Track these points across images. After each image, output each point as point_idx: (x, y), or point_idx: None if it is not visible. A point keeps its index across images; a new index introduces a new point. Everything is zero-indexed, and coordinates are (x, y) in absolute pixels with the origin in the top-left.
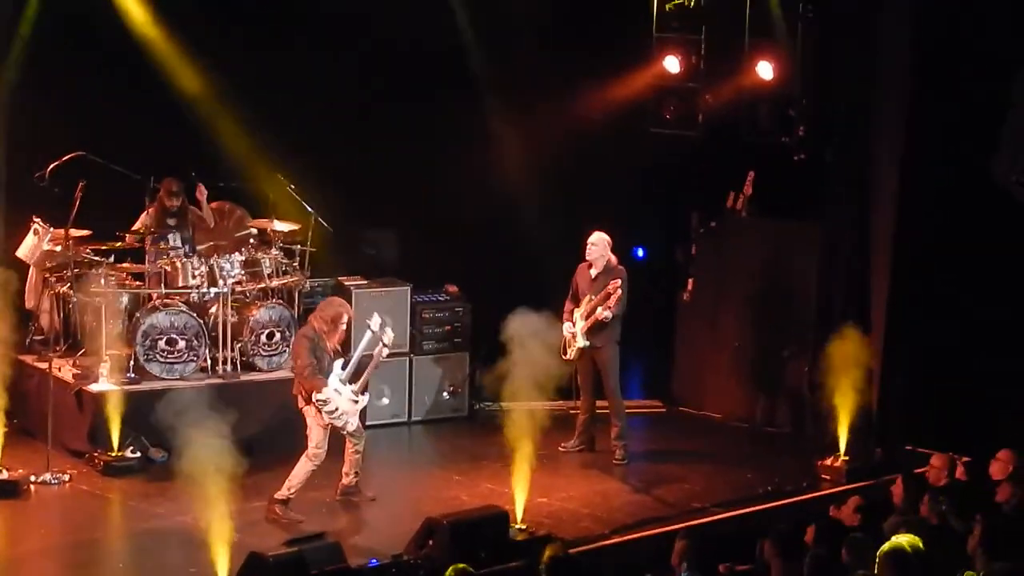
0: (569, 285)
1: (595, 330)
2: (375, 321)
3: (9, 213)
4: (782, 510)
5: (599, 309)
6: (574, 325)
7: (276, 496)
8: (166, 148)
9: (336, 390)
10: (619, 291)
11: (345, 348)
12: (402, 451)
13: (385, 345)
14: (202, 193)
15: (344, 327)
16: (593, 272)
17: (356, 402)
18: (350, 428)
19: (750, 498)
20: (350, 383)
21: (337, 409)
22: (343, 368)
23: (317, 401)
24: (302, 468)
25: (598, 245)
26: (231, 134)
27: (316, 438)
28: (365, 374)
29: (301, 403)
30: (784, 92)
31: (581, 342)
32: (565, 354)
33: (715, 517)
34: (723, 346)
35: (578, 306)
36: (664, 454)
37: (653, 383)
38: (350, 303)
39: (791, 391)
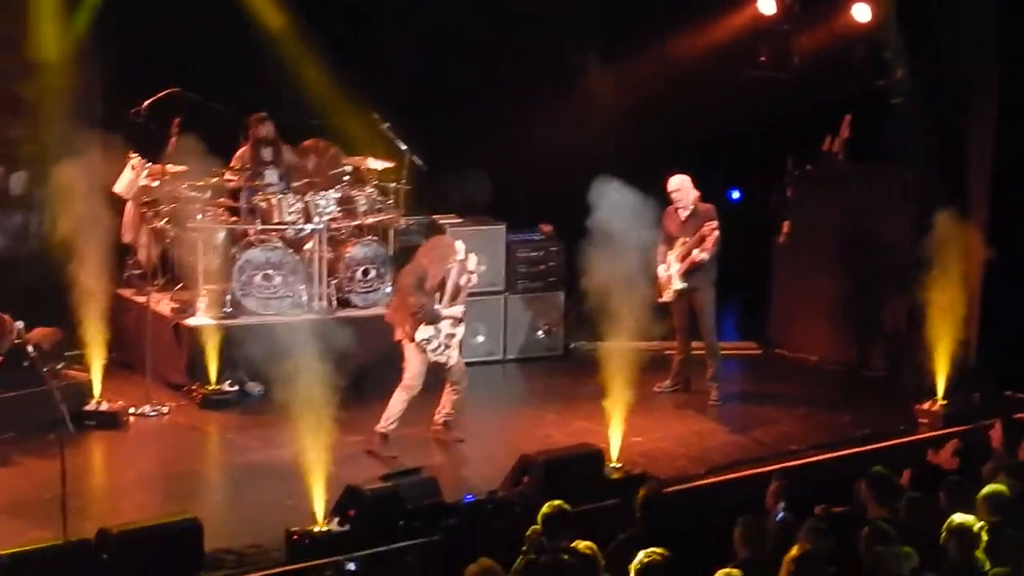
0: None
1: (691, 272)
2: (459, 248)
3: (106, 149)
4: (879, 453)
5: (695, 251)
6: (669, 267)
7: (375, 429)
8: (255, 86)
9: (436, 327)
10: (715, 232)
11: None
12: (496, 389)
13: (470, 272)
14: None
15: (450, 266)
16: (683, 214)
17: (453, 335)
18: (451, 362)
19: (846, 441)
20: (445, 313)
21: (440, 346)
22: (439, 303)
23: (421, 340)
24: (397, 399)
25: (681, 189)
26: (319, 73)
27: (412, 370)
28: (459, 302)
29: (399, 335)
30: (880, 34)
31: (678, 284)
32: (661, 296)
33: (811, 459)
34: (819, 289)
35: (671, 248)
36: (759, 396)
37: (749, 325)
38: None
39: (888, 335)
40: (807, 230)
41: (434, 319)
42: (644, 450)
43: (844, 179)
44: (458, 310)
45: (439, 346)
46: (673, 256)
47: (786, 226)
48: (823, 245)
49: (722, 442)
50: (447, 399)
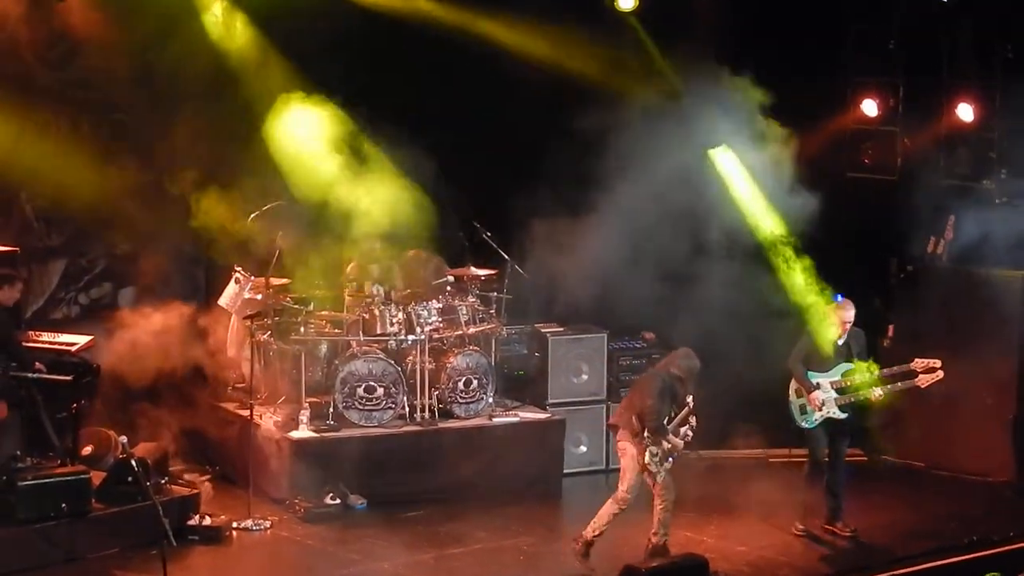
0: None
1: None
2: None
3: (212, 262)
4: (989, 559)
5: (877, 390)
6: (822, 390)
7: (582, 535)
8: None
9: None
10: (938, 375)
11: None
12: (600, 499)
13: (692, 414)
14: None
15: (691, 384)
16: (840, 340)
17: (671, 458)
18: (659, 479)
19: (955, 547)
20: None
21: (657, 455)
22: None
23: (648, 449)
24: (607, 510)
25: (852, 321)
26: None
27: (628, 482)
28: (680, 436)
29: (620, 437)
30: (985, 134)
31: (835, 413)
32: (804, 421)
33: (920, 567)
34: (925, 393)
35: (815, 369)
36: (866, 503)
37: (854, 432)
38: (546, 349)
39: (997, 438)
40: (911, 333)
41: (659, 431)
42: (749, 559)
43: (949, 281)
44: (679, 443)
45: (657, 455)
46: (828, 381)
47: (890, 329)
48: (928, 348)
49: (827, 551)
50: (657, 519)
